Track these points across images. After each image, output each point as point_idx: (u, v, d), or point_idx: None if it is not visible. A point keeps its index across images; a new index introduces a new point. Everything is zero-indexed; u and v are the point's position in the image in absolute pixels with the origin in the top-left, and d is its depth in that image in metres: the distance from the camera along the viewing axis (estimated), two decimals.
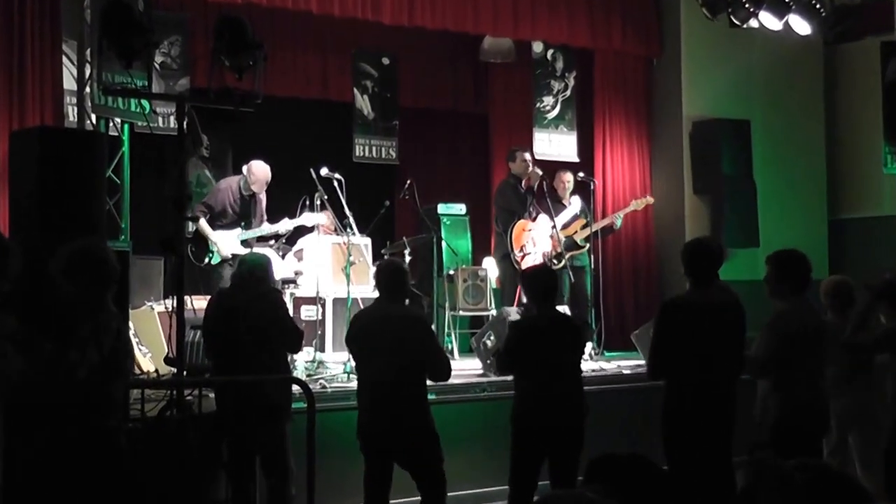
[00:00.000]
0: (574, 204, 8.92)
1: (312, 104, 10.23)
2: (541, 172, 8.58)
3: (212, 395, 5.44)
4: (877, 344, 5.38)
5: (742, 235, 10.01)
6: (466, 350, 8.51)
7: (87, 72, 7.31)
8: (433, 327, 6.61)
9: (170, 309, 5.26)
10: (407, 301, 5.34)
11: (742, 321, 4.97)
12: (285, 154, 8.97)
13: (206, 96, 5.29)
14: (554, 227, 8.50)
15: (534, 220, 8.61)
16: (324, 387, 6.71)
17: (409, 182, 8.83)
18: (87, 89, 7.29)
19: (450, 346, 8.59)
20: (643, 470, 2.48)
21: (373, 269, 8.19)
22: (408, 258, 8.29)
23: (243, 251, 7.72)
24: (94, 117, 7.40)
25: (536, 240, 8.54)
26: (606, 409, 7.18)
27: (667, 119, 10.46)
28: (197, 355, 6.40)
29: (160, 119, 7.74)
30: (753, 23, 9.11)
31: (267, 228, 8.01)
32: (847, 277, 6.02)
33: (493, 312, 8.59)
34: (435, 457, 5.16)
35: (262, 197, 8.14)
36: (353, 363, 5.60)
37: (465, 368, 7.74)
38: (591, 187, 9.07)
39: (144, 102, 6.40)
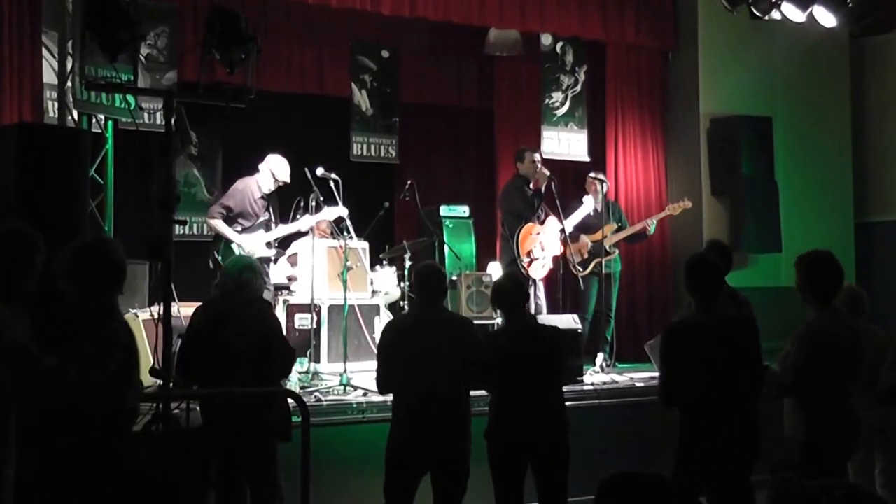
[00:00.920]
0: (587, 203, 8.90)
1: (308, 100, 10.23)
2: (548, 173, 8.58)
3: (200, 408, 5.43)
4: None
5: (763, 240, 10.01)
6: None
7: (69, 65, 7.32)
8: None
9: (156, 317, 5.24)
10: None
11: (753, 336, 4.94)
12: (279, 153, 8.96)
13: (195, 91, 5.27)
14: (562, 230, 8.49)
15: (542, 223, 8.61)
16: (319, 400, 6.70)
17: (409, 182, 8.83)
18: (69, 83, 7.29)
19: None
20: (658, 491, 2.47)
21: (370, 275, 8.21)
22: (408, 263, 8.30)
23: (269, 253, 7.72)
24: (76, 113, 7.40)
25: (545, 244, 8.54)
26: (619, 424, 7.18)
27: (683, 116, 10.45)
28: None
29: (146, 115, 7.75)
30: (775, 14, 9.11)
31: (290, 227, 7.93)
32: (855, 286, 6.02)
33: (499, 321, 8.58)
34: (466, 472, 5.17)
35: (276, 196, 8.07)
36: (379, 368, 5.42)
37: None
38: (604, 189, 9.07)
39: (130, 98, 6.41)
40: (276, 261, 8.19)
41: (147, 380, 6.64)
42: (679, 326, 5.11)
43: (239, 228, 7.75)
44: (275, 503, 5.37)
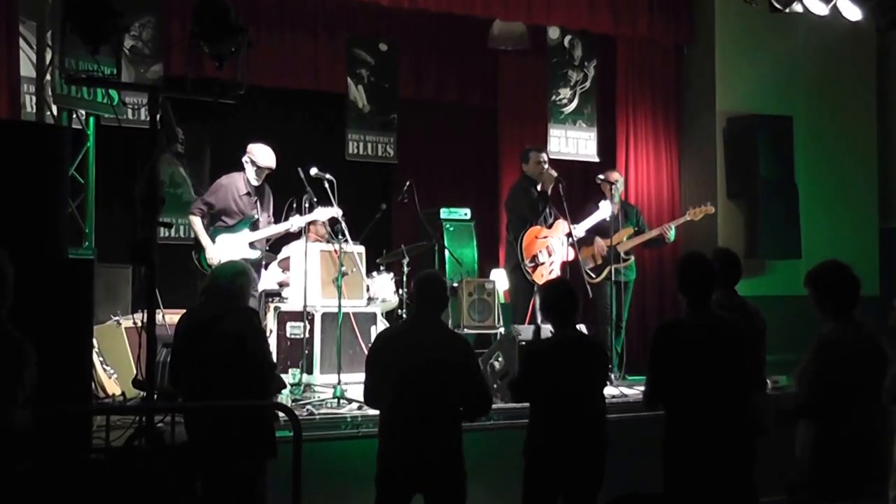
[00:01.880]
0: (603, 208, 8.81)
1: (301, 95, 10.25)
2: (555, 174, 8.57)
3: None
4: None
5: (782, 245, 10.01)
6: None
7: (48, 57, 7.32)
8: None
9: (139, 324, 5.23)
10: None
11: (746, 340, 4.95)
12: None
13: (182, 86, 5.28)
14: (569, 234, 8.47)
15: (550, 227, 8.60)
16: (311, 413, 6.68)
17: (408, 183, 8.82)
18: (48, 77, 7.30)
19: None
20: None
21: (366, 281, 8.20)
22: (406, 268, 8.29)
23: (253, 255, 7.68)
24: (55, 109, 7.41)
25: (553, 248, 8.53)
26: (630, 440, 7.15)
27: (698, 114, 10.46)
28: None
29: (130, 111, 7.74)
30: (797, 7, 9.12)
31: (276, 228, 7.91)
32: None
33: (502, 331, 8.56)
34: (460, 499, 5.14)
35: (269, 193, 8.05)
36: (372, 383, 5.42)
37: None
38: (619, 190, 9.03)
39: (112, 92, 6.40)
40: (266, 266, 8.18)
41: (130, 391, 6.68)
42: (667, 326, 5.15)
43: (223, 227, 7.73)
44: None
